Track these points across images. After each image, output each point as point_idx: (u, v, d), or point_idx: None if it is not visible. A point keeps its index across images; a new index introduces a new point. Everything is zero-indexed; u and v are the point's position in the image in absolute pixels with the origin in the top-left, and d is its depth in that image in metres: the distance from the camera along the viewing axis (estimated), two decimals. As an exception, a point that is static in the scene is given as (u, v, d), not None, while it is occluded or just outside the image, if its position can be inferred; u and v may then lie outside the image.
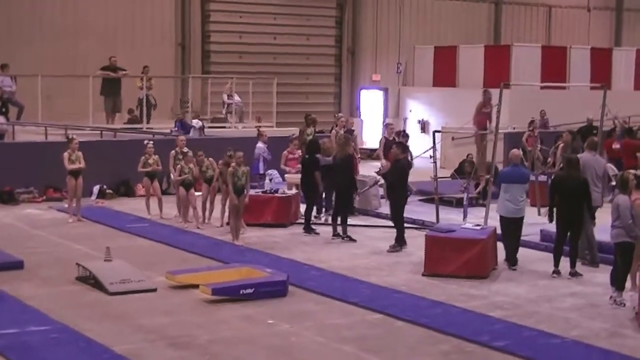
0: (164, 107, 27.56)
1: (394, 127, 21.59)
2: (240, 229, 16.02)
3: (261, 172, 19.83)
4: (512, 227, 14.23)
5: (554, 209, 13.66)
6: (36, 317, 10.84)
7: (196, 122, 24.67)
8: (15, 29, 27.13)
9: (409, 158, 16.83)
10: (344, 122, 20.59)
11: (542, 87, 25.26)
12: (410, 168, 16.21)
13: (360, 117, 32.71)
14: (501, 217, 14.32)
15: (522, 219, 14.34)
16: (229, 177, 15.80)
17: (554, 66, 29.77)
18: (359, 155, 21.58)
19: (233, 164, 15.84)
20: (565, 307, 11.93)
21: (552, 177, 13.98)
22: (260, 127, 23.12)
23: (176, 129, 23.89)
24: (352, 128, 21.65)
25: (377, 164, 21.26)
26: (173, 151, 18.03)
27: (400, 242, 15.42)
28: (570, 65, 30.44)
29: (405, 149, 16.48)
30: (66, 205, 18.33)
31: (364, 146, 29.82)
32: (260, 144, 19.87)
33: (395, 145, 16.39)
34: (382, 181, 17.19)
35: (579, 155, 15.09)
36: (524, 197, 14.31)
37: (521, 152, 24.35)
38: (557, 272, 13.58)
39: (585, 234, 14.09)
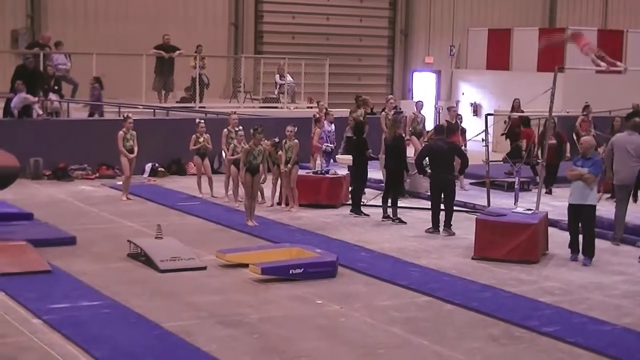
0: (216, 86, 27.68)
1: (456, 109, 21.34)
2: (254, 208, 15.62)
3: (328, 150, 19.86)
4: None
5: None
6: (88, 293, 10.97)
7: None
8: (69, 9, 27.28)
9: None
10: (393, 103, 20.37)
11: (597, 72, 24.87)
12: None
13: (412, 98, 32.41)
14: None
15: None
16: (242, 155, 15.72)
17: (610, 50, 29.13)
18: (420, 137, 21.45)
19: (250, 143, 15.68)
20: (617, 294, 11.80)
21: None
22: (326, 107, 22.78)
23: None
24: (402, 110, 21.51)
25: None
26: (225, 130, 18.03)
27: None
28: (627, 49, 29.93)
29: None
30: (119, 183, 18.50)
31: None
32: (325, 123, 19.97)
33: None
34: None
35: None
36: None
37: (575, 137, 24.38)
38: None
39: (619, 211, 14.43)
